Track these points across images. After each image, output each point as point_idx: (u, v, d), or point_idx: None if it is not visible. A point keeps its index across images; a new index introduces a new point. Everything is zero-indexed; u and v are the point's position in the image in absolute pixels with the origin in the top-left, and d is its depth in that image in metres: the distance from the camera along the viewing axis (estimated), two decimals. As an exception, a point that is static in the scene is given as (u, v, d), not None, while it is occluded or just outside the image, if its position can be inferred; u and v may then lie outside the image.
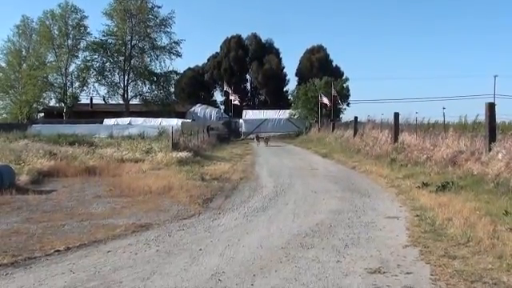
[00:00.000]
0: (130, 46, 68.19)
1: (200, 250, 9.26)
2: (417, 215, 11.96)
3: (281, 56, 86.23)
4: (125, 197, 15.09)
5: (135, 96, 70.07)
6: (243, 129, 63.31)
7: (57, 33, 66.23)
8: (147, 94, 70.09)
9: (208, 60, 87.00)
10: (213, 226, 11.43)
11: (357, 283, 7.23)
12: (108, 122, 49.95)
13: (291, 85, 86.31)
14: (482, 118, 19.36)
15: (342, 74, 77.36)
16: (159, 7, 69.13)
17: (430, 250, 8.93)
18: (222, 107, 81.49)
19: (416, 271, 7.73)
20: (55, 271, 7.92)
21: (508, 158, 15.04)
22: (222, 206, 14.05)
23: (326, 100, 53.47)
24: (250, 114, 66.05)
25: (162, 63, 70.63)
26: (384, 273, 7.68)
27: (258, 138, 46.75)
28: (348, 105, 64.65)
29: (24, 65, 68.13)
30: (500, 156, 15.61)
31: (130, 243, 9.74)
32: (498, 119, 18.67)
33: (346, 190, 16.74)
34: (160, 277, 7.62)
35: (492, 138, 16.90)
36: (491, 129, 17.15)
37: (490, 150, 16.57)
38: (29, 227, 10.99)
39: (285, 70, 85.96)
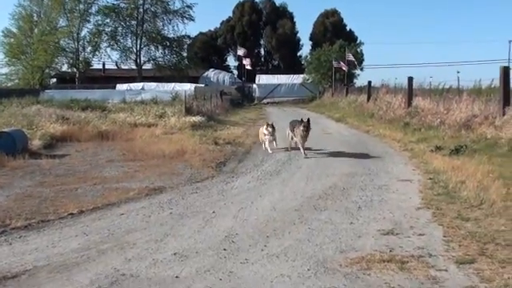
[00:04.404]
0: (142, 10, 67.75)
1: (213, 212, 9.29)
2: (430, 178, 11.92)
3: (295, 20, 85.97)
4: (138, 161, 15.15)
5: (148, 61, 69.79)
6: (256, 93, 63.13)
7: (68, -3, 65.81)
8: (160, 59, 69.77)
9: (221, 24, 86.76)
10: (226, 189, 11.46)
11: (370, 244, 7.25)
12: (121, 87, 49.86)
13: (305, 49, 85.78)
14: (497, 82, 19.16)
15: (356, 38, 76.71)
16: (171, -30, 68.61)
17: (442, 212, 8.91)
18: (235, 72, 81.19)
19: (429, 233, 7.73)
20: (69, 233, 7.98)
21: (522, 122, 14.95)
22: (236, 169, 14.07)
23: (342, 65, 53.14)
24: (263, 79, 65.75)
25: (175, 27, 70.27)
26: (397, 234, 7.68)
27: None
28: (362, 69, 64.29)
29: (35, 30, 67.57)
30: (514, 120, 15.51)
31: (144, 206, 9.79)
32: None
33: (359, 153, 16.68)
34: (173, 239, 7.67)
35: (506, 102, 16.78)
36: (505, 93, 17.01)
37: (504, 114, 16.46)
38: (42, 191, 11.08)
39: (298, 35, 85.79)
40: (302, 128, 16.19)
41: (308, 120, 16.42)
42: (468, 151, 14.61)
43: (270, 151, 16.94)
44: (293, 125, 17.12)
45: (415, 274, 6.09)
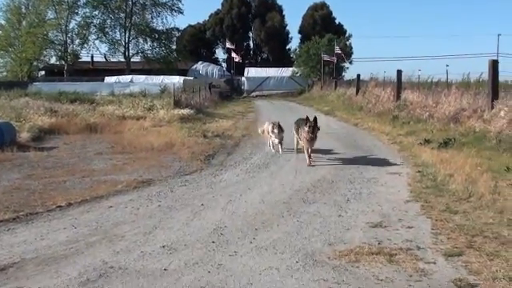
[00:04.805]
0: (130, 3, 67.45)
1: (202, 205, 9.28)
2: (418, 171, 11.95)
3: (284, 13, 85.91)
4: (126, 153, 15.11)
5: (136, 53, 69.66)
6: (245, 86, 63.17)
7: (56, -11, 65.36)
8: (149, 52, 69.67)
9: (210, 17, 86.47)
10: (215, 181, 11.44)
11: (358, 237, 7.27)
12: (109, 79, 49.65)
13: (294, 42, 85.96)
14: (485, 76, 19.26)
15: (345, 31, 77.04)
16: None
17: (431, 205, 8.95)
18: (224, 65, 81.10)
19: (417, 225, 7.76)
20: (57, 226, 7.95)
21: (510, 116, 14.98)
22: (224, 162, 14.05)
23: (331, 58, 53.17)
24: (252, 72, 65.79)
25: (164, 20, 70.18)
26: (385, 227, 7.71)
27: None
28: (351, 63, 64.38)
29: (24, 22, 67.29)
30: (502, 113, 15.55)
31: (132, 199, 9.76)
32: (501, 78, 18.57)
33: (348, 146, 16.72)
34: (162, 231, 7.65)
35: (495, 95, 16.79)
36: (494, 86, 17.02)
37: (492, 107, 16.48)
38: (30, 183, 11.03)
39: (287, 28, 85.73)
40: (306, 129, 13.52)
41: (315, 119, 13.75)
42: (456, 144, 14.68)
43: (269, 149, 15.60)
44: (298, 124, 14.53)
45: (404, 266, 6.11)
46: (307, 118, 13.71)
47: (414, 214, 8.47)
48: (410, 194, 9.94)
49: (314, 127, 13.53)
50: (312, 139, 13.59)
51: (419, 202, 9.19)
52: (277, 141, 15.47)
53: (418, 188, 10.32)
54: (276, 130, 15.34)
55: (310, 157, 13.64)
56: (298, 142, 14.83)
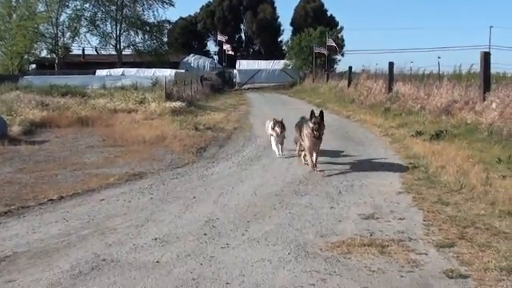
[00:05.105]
0: (121, -5, 67.22)
1: (194, 197, 9.26)
2: (410, 163, 11.96)
3: (275, 5, 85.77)
4: (118, 147, 15.07)
5: (128, 46, 69.44)
6: (237, 79, 63.08)
7: (47, -19, 65.02)
8: (140, 44, 69.48)
9: (201, 9, 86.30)
10: (207, 174, 11.43)
11: (350, 228, 7.28)
12: (100, 72, 49.49)
13: (286, 35, 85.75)
14: (476, 68, 19.31)
15: (337, 23, 76.92)
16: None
17: (423, 196, 8.97)
18: (216, 57, 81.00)
19: (409, 217, 7.78)
20: (49, 219, 7.91)
21: (502, 108, 15.04)
22: (216, 155, 14.04)
23: (323, 50, 53.18)
24: (244, 65, 65.68)
25: (155, 12, 69.95)
26: (377, 218, 7.72)
27: None
28: (342, 55, 64.43)
29: (14, 15, 66.89)
30: (494, 105, 15.60)
31: (124, 192, 9.73)
32: (493, 70, 18.60)
33: (340, 138, 16.70)
34: (154, 224, 7.63)
35: (486, 87, 16.82)
36: (486, 78, 17.05)
37: (484, 99, 16.51)
38: (21, 177, 10.97)
39: (279, 20, 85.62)
40: (311, 125, 11.33)
41: (321, 114, 11.61)
42: (448, 136, 14.71)
43: (277, 154, 13.47)
44: (300, 125, 12.34)
45: (395, 257, 6.12)
46: (312, 111, 11.62)
47: (406, 205, 8.50)
48: (401, 185, 9.96)
49: (321, 123, 11.41)
50: (318, 138, 11.41)
51: (411, 194, 9.22)
52: (277, 140, 13.66)
53: (410, 180, 10.35)
54: (278, 129, 13.43)
55: (315, 163, 11.60)
56: (299, 143, 12.51)
